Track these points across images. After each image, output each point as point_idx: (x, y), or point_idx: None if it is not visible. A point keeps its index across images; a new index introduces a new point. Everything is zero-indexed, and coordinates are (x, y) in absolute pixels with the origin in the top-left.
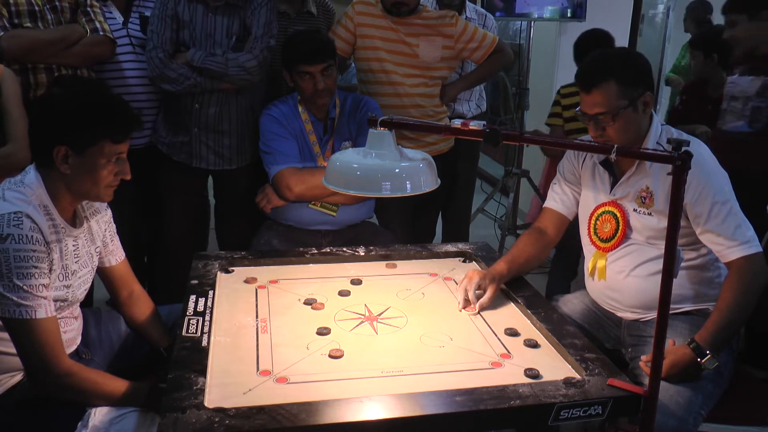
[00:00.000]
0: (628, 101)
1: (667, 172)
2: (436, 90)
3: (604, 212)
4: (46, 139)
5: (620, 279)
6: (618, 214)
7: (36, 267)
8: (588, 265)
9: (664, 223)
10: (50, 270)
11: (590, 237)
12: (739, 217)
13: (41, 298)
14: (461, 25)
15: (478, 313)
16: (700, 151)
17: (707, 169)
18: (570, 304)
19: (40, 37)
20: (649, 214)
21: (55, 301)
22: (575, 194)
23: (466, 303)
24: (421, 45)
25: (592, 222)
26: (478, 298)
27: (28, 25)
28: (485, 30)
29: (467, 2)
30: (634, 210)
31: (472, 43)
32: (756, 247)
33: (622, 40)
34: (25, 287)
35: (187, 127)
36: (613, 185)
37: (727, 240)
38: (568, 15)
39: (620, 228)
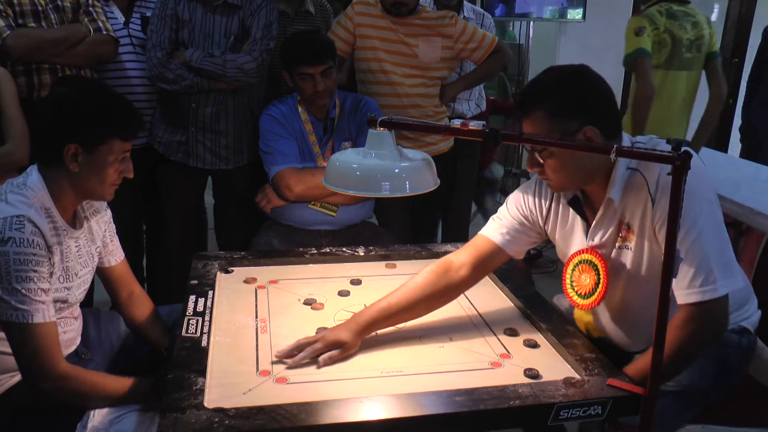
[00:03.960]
0: (559, 135)
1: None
2: (436, 90)
3: (581, 261)
4: (56, 138)
5: (620, 330)
6: (598, 264)
7: (35, 271)
8: (574, 319)
9: (641, 258)
10: (50, 274)
11: (567, 294)
12: (705, 250)
13: (39, 302)
14: (461, 25)
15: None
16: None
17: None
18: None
19: (44, 36)
20: (629, 249)
21: (56, 302)
22: (527, 235)
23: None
24: (421, 45)
25: (568, 275)
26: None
27: (32, 24)
28: (484, 30)
29: (465, 1)
30: (618, 247)
31: (471, 44)
32: (713, 292)
33: (621, 40)
34: (23, 291)
35: (184, 127)
36: (587, 229)
37: (682, 279)
38: (568, 15)
39: (602, 281)
